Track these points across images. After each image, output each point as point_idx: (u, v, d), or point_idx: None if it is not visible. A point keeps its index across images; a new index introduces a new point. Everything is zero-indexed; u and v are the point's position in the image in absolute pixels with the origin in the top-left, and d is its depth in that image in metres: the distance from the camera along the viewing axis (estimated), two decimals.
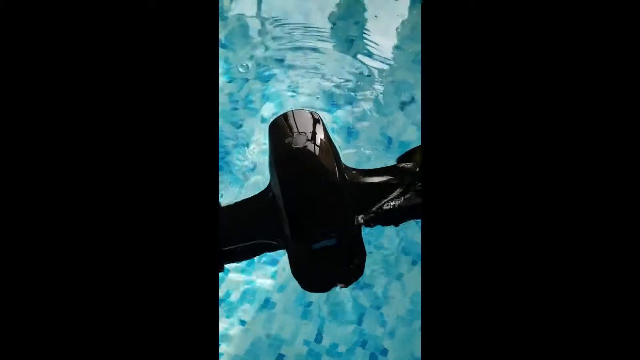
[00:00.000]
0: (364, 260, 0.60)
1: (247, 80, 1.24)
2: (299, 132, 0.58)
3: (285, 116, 0.61)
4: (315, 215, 0.57)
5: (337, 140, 1.15)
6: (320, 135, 0.59)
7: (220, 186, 1.13)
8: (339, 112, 1.21)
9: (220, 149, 1.17)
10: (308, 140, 0.57)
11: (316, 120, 0.60)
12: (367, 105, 1.22)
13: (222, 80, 1.25)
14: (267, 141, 1.08)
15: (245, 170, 1.15)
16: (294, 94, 1.23)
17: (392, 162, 1.14)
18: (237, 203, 0.59)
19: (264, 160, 1.16)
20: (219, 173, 1.14)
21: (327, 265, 0.60)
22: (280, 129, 0.59)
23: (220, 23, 1.31)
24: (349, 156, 1.14)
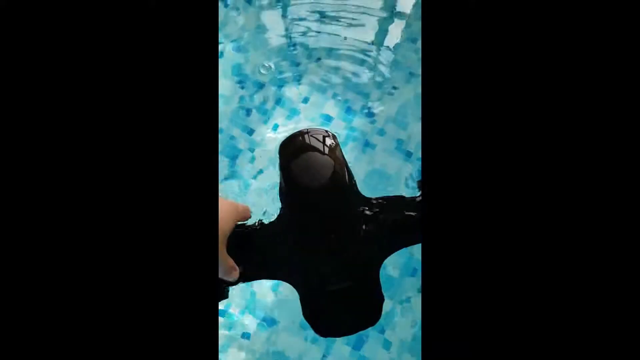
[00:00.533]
0: (382, 303, 0.55)
1: (262, 84, 1.21)
2: (314, 168, 0.53)
3: (297, 140, 0.56)
4: (332, 259, 0.53)
5: (352, 150, 1.13)
6: (337, 167, 0.54)
7: (229, 192, 1.11)
8: (356, 122, 1.18)
9: (229, 155, 1.14)
10: (323, 176, 0.53)
11: (331, 143, 0.55)
12: (385, 116, 1.18)
13: (234, 83, 1.22)
14: (276, 145, 1.11)
15: (253, 177, 1.12)
16: (307, 101, 1.20)
17: (409, 175, 1.12)
18: (244, 233, 0.54)
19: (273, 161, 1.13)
20: (228, 179, 1.12)
21: (342, 309, 0.55)
22: (291, 158, 0.54)
23: (236, 25, 1.28)
24: (364, 168, 1.11)
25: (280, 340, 0.95)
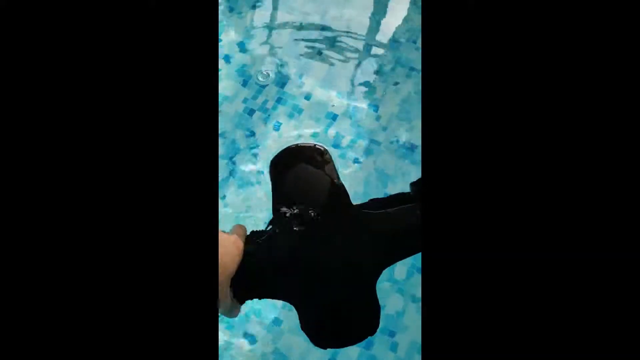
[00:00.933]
0: (379, 315, 0.54)
1: (263, 86, 1.20)
2: (308, 184, 0.51)
3: (288, 156, 0.54)
4: (327, 274, 0.52)
5: (355, 147, 1.12)
6: (332, 181, 0.53)
7: (232, 194, 1.10)
8: (359, 117, 1.17)
9: (231, 155, 1.14)
10: (318, 192, 0.51)
11: (324, 158, 0.54)
12: (388, 110, 1.17)
13: (237, 85, 1.21)
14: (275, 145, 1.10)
15: (255, 178, 1.11)
16: (309, 98, 1.19)
17: (413, 172, 1.12)
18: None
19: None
20: (230, 180, 1.11)
21: (339, 320, 0.54)
22: (284, 175, 0.53)
23: (238, 24, 1.27)
24: (368, 167, 1.10)
25: (284, 341, 0.94)
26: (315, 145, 0.54)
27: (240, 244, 0.51)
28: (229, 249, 0.50)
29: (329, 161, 0.53)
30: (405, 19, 1.28)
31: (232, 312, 0.52)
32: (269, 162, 0.54)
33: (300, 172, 0.53)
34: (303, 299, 0.52)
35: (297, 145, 0.54)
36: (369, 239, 0.52)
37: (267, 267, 0.52)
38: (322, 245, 0.51)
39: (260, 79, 1.20)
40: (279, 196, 0.53)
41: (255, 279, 0.52)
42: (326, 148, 0.54)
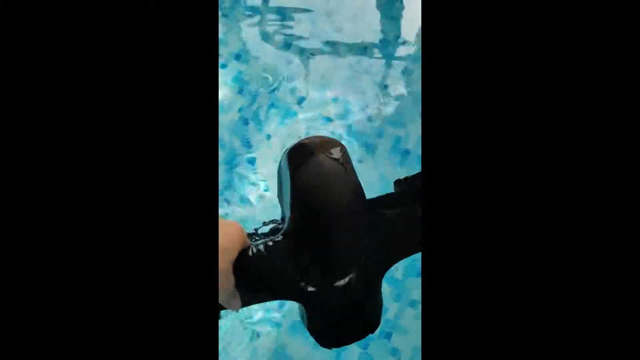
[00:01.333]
0: (381, 312, 0.53)
1: (258, 93, 1.20)
2: (330, 181, 0.47)
3: (307, 149, 0.48)
4: (340, 273, 0.50)
5: (352, 152, 1.12)
6: (350, 186, 0.48)
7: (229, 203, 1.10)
8: (354, 124, 1.17)
9: (229, 162, 1.14)
10: (341, 190, 0.47)
11: (344, 155, 0.49)
12: (383, 116, 1.18)
13: (233, 93, 1.21)
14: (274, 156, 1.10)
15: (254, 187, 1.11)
16: (304, 105, 1.20)
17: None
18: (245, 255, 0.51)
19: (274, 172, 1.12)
20: (228, 190, 1.11)
21: (345, 320, 0.52)
22: (302, 169, 0.48)
23: (234, 35, 1.28)
24: (366, 170, 1.10)
25: (286, 340, 0.94)
26: (335, 140, 0.50)
27: (241, 230, 0.49)
28: (230, 233, 0.47)
29: (349, 160, 0.50)
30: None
31: (232, 303, 0.50)
32: (283, 153, 0.51)
33: (319, 165, 0.48)
34: (315, 298, 0.50)
35: (316, 137, 0.50)
36: (376, 237, 0.51)
37: (276, 269, 0.49)
38: (336, 245, 0.49)
39: (262, 84, 1.21)
40: (295, 189, 0.49)
41: (263, 282, 0.50)
42: (343, 144, 0.50)
